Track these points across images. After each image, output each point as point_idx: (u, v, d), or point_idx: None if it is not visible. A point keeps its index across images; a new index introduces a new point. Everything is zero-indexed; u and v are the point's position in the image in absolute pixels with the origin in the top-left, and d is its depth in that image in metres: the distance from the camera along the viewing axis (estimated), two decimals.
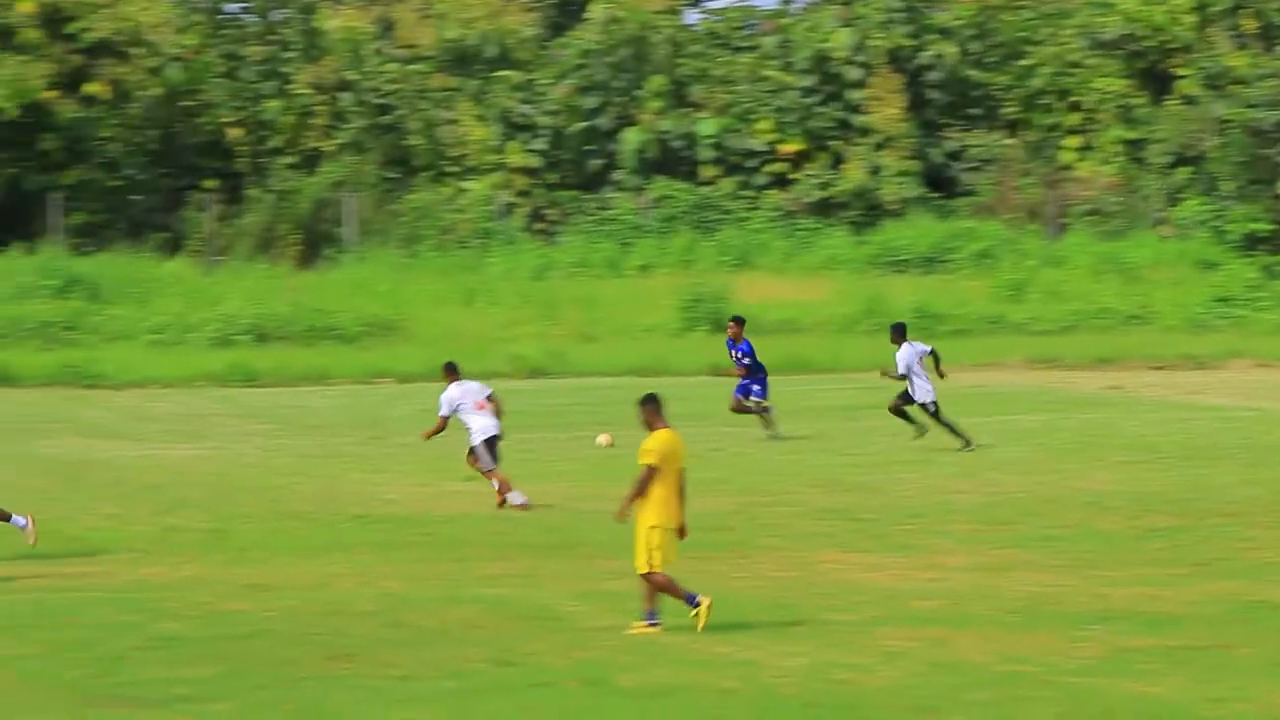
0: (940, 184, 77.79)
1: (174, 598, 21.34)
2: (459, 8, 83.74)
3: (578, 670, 17.51)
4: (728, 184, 76.26)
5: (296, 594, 21.64)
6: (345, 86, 79.26)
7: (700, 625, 19.07)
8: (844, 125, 77.64)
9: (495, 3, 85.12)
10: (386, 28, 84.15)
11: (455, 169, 77.84)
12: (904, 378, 36.80)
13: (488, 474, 29.39)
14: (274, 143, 78.05)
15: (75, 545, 25.35)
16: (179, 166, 77.64)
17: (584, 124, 77.80)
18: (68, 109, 73.55)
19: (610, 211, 75.09)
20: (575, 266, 69.55)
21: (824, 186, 76.06)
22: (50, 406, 46.34)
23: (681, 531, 19.20)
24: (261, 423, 42.14)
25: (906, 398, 37.03)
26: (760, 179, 76.86)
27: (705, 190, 75.97)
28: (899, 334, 37.52)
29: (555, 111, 78.00)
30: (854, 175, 76.18)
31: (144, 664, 17.95)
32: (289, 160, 77.05)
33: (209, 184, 75.82)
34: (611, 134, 77.97)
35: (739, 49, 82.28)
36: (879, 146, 76.95)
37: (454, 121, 79.05)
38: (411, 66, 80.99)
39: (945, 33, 79.27)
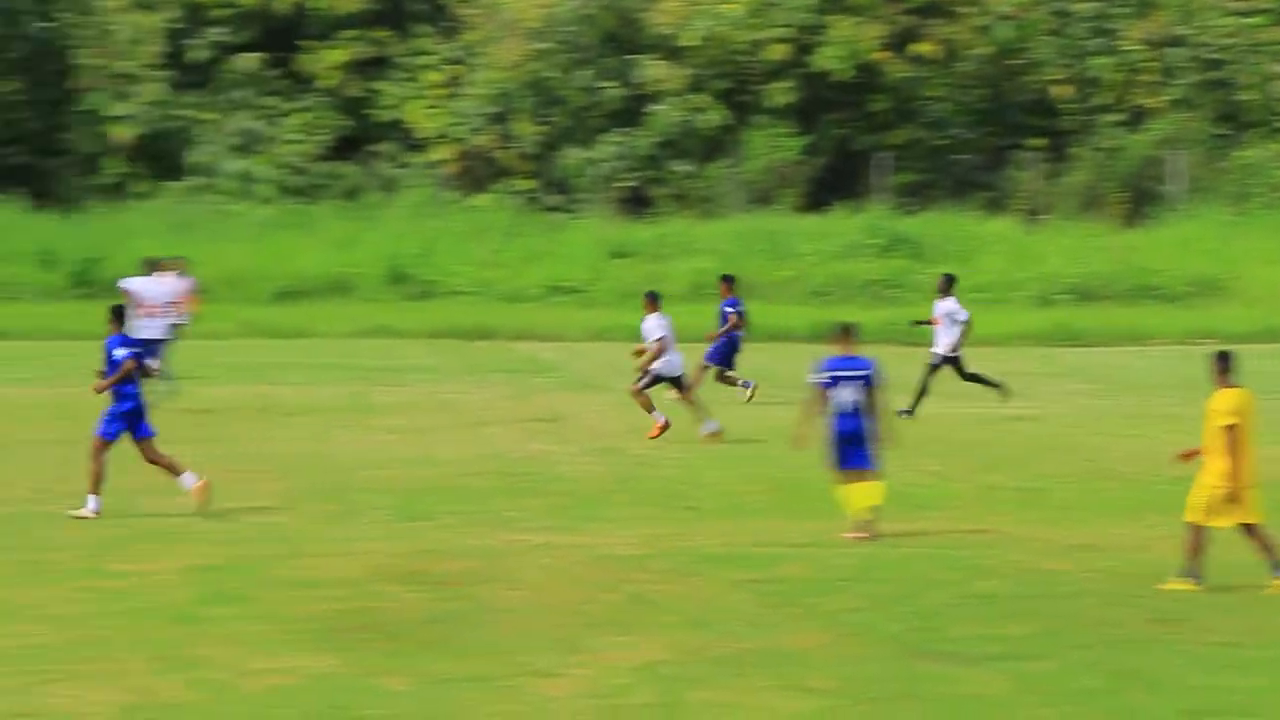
0: None
1: (991, 555, 21.44)
2: None
3: None
4: None
5: (1115, 555, 21.51)
6: (1176, 42, 78.21)
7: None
8: None
9: None
10: None
11: None
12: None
13: (634, 394, 31.52)
14: (1100, 100, 77.54)
15: (898, 500, 25.64)
16: (1004, 125, 77.83)
17: None
18: (897, 69, 74.46)
19: None
20: None
21: None
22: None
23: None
24: (1081, 382, 41.98)
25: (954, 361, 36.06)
26: None
27: None
28: (949, 284, 36.78)
29: None
30: None
31: (961, 620, 18.09)
32: (1115, 117, 76.46)
33: (1034, 143, 75.80)
34: None
35: None
36: None
37: None
38: (1246, 20, 79.44)
39: None
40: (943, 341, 36.19)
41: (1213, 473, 19.52)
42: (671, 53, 73.37)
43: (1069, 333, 52.41)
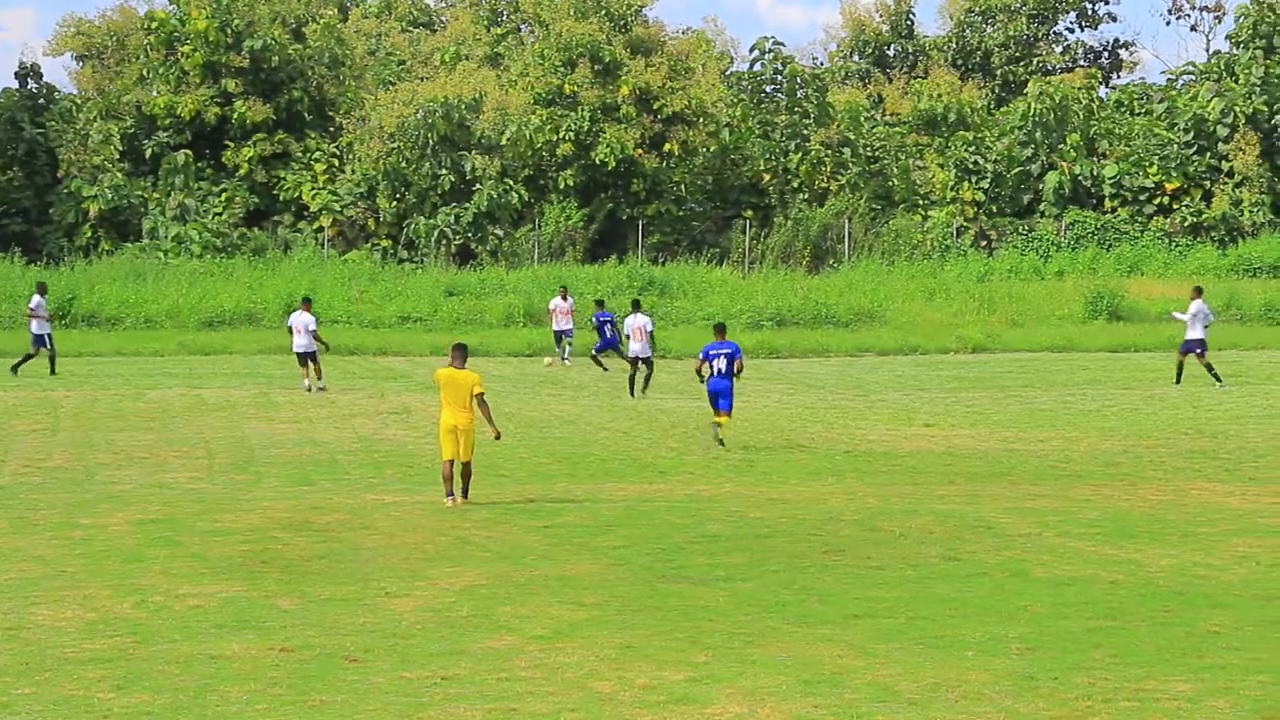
0: None
1: (716, 508, 21.51)
2: (930, 87, 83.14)
3: (1004, 565, 17.23)
4: (1124, 212, 74.44)
5: (801, 506, 21.65)
6: (846, 143, 79.16)
7: None
8: (1213, 169, 75.14)
9: (955, 82, 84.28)
10: (877, 101, 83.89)
11: (922, 202, 77.25)
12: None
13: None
14: (793, 184, 78.32)
15: (648, 470, 25.72)
16: (726, 201, 78.38)
17: (1018, 169, 76.59)
18: (650, 162, 74.74)
19: (1035, 233, 73.85)
20: (1008, 272, 68.53)
21: (1197, 215, 73.72)
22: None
23: None
24: (779, 384, 42.26)
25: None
26: (1148, 209, 74.81)
27: (1107, 217, 74.24)
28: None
29: (997, 160, 76.89)
30: (1219, 206, 73.68)
31: (694, 553, 18.12)
32: (804, 197, 77.24)
33: (747, 214, 76.44)
34: (1038, 176, 76.62)
35: (1136, 114, 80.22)
36: (1239, 185, 74.29)
37: (923, 168, 78.44)
38: (894, 129, 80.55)
39: None
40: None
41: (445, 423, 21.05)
42: (489, 149, 73.24)
43: (771, 348, 52.67)
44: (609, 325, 44.35)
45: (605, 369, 43.67)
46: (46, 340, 41.34)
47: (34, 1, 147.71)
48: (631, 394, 37.17)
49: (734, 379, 27.76)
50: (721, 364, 27.65)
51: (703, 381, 28.12)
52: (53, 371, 41.20)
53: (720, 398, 27.59)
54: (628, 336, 38.35)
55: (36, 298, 41.88)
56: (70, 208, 72.94)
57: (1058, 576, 16.54)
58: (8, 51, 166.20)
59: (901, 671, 12.78)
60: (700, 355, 28.23)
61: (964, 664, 13.00)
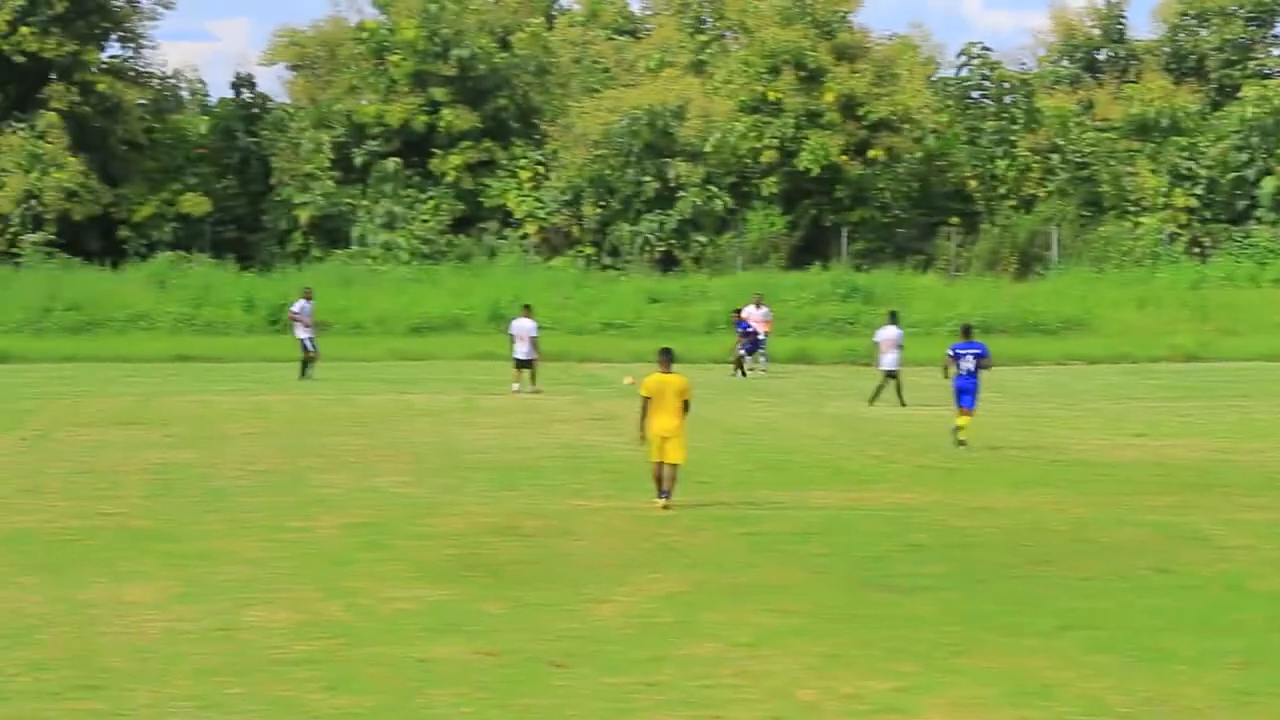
0: None
1: (920, 516, 21.32)
2: (1142, 91, 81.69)
3: (1219, 577, 16.87)
4: None
5: (1008, 515, 21.38)
6: (1055, 149, 78.04)
7: None
8: None
9: (1168, 86, 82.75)
10: (1087, 106, 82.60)
11: (1133, 209, 75.92)
12: None
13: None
14: (1000, 190, 77.39)
15: (851, 478, 25.55)
16: (932, 208, 77.66)
17: (1233, 174, 74.97)
18: (854, 168, 74.35)
19: (1251, 239, 72.25)
20: (1222, 280, 67.02)
21: None
22: (834, 380, 46.92)
23: None
24: (985, 392, 41.63)
25: None
26: None
27: None
28: None
29: (1211, 165, 75.35)
30: None
31: (898, 562, 18.00)
32: (1011, 203, 76.31)
33: (953, 220, 75.68)
34: (1254, 182, 74.92)
35: None
36: None
37: (1134, 174, 77.09)
38: (1104, 134, 79.26)
39: None
40: None
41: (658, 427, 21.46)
42: (693, 156, 73.38)
43: None
44: (747, 331, 45.99)
45: (743, 374, 45.33)
46: (308, 344, 42.68)
47: (249, 13, 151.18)
48: (871, 402, 37.27)
49: (979, 378, 29.10)
50: (969, 363, 29.02)
51: (947, 379, 29.30)
52: (303, 376, 42.18)
53: (965, 395, 28.87)
54: (878, 346, 38.54)
55: (301, 303, 43.17)
56: (282, 215, 74.50)
57: (1275, 590, 16.15)
58: (224, 62, 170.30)
59: (1113, 685, 12.56)
60: (948, 353, 29.44)
61: (1177, 678, 12.75)
